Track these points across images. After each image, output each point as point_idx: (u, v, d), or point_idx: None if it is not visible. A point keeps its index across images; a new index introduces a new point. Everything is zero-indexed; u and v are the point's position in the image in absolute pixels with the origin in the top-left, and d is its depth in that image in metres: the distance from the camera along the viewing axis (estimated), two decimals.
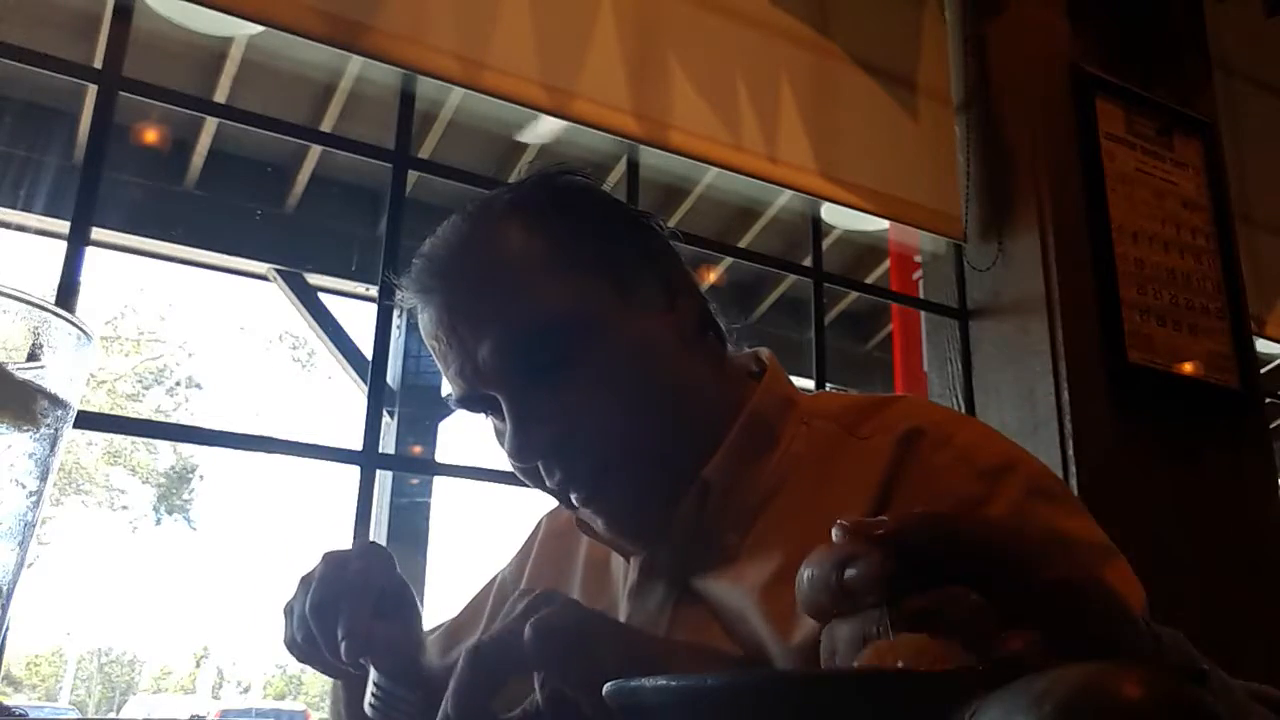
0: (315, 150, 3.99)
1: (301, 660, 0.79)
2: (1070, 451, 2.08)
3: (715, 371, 0.81)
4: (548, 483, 0.76)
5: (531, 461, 0.75)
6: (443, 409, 4.65)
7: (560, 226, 0.77)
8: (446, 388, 0.81)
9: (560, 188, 0.81)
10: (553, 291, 0.74)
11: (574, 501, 0.77)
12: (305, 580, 0.77)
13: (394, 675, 0.73)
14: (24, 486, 0.42)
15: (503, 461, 0.78)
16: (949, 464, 0.70)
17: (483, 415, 0.79)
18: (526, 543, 1.00)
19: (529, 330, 0.73)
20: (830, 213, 2.36)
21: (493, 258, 0.76)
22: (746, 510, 0.75)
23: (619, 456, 0.74)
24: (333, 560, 0.77)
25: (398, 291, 0.81)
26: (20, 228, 3.77)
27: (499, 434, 0.77)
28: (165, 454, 15.09)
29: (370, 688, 0.74)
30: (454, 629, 0.98)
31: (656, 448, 0.75)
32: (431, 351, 0.79)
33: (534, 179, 0.82)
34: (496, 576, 1.00)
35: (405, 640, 0.75)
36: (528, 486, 0.80)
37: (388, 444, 4.13)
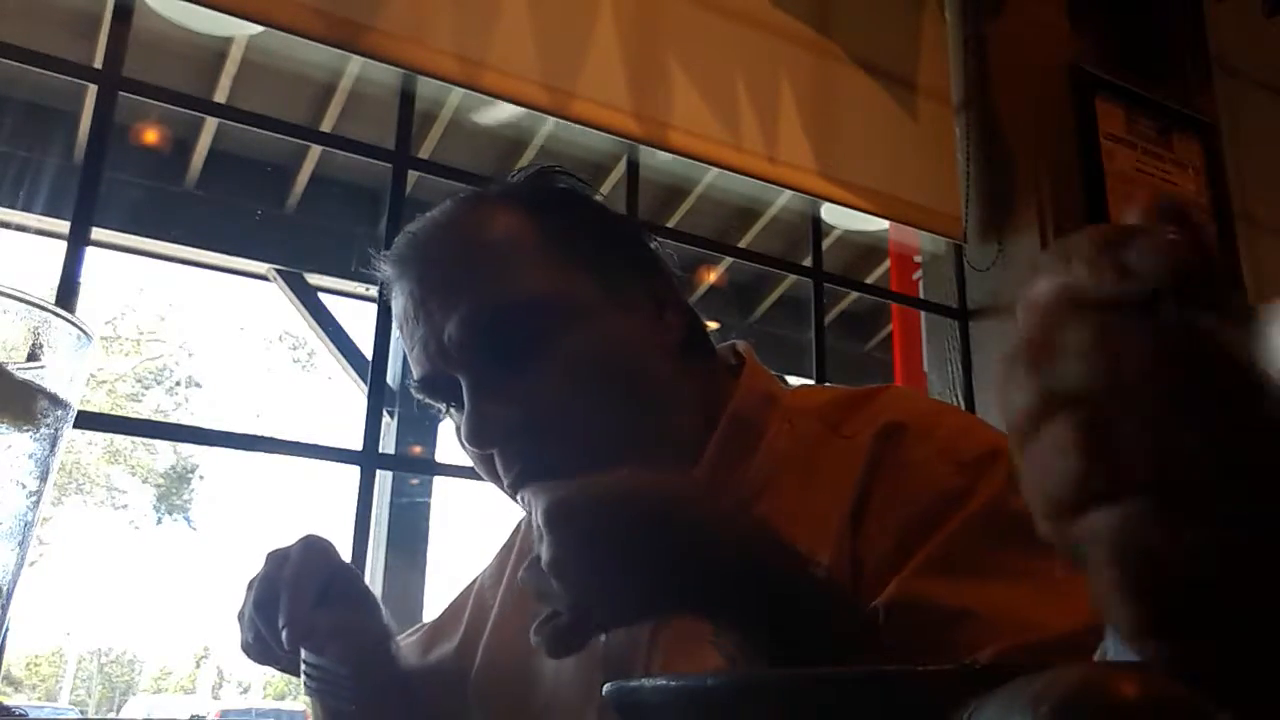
0: (315, 150, 4.00)
1: (257, 661, 0.79)
2: None
3: (700, 382, 0.78)
4: (503, 479, 0.73)
5: (487, 447, 0.72)
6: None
7: (551, 221, 0.75)
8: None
9: (556, 187, 0.80)
10: (534, 276, 0.72)
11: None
12: (251, 582, 0.78)
13: (341, 659, 0.74)
14: (24, 486, 0.42)
15: None
16: (930, 457, 0.67)
17: (443, 406, 0.76)
18: (506, 544, 0.97)
19: (501, 307, 0.71)
20: (830, 213, 2.36)
21: (475, 237, 0.75)
22: None
23: (579, 454, 0.68)
24: (273, 558, 0.77)
25: (379, 266, 0.79)
26: (20, 228, 3.77)
27: (458, 429, 0.74)
28: (165, 454, 15.08)
29: (303, 667, 0.75)
30: (434, 629, 0.97)
31: (623, 450, 0.68)
32: (399, 332, 0.77)
33: (530, 176, 0.81)
34: (476, 579, 0.98)
35: (352, 626, 0.75)
36: (484, 481, 0.76)
37: (388, 444, 4.12)
